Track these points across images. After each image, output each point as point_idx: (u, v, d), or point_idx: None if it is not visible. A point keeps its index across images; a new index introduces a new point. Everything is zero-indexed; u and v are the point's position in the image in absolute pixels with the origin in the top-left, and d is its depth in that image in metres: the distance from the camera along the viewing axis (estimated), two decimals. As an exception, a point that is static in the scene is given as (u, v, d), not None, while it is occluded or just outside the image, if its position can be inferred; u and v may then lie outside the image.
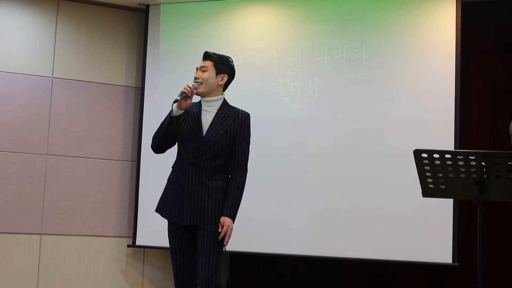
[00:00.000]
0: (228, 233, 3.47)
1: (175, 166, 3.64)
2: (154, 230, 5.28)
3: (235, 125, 3.56)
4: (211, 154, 3.51)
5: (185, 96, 3.45)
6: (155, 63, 5.49)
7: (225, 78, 3.63)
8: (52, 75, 5.45)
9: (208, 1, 5.41)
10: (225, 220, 3.48)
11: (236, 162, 3.57)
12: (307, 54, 5.15)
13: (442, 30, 4.88)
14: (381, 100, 4.95)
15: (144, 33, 5.58)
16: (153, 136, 3.63)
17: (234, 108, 3.64)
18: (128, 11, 5.70)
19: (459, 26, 4.83)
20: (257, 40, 5.28)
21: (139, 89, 5.61)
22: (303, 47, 5.16)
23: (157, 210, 3.67)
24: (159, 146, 3.62)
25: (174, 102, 3.45)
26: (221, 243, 3.49)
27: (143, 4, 5.56)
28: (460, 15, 4.84)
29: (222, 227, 3.46)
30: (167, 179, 3.66)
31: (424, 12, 4.94)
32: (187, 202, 3.49)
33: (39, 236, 5.31)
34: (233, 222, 3.52)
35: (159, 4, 5.53)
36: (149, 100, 5.46)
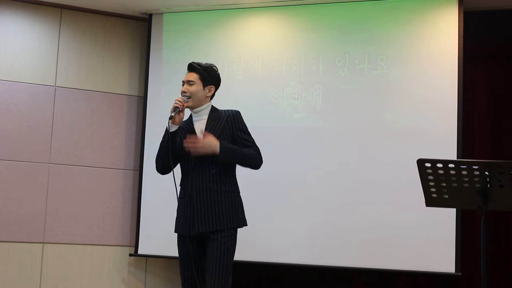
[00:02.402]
0: (201, 142, 3.40)
1: (182, 182, 3.62)
2: (156, 239, 5.29)
3: (228, 124, 3.58)
4: (213, 158, 3.48)
5: (178, 110, 3.50)
6: (157, 72, 5.50)
7: (212, 90, 3.66)
8: (55, 84, 5.46)
9: (211, 11, 5.42)
10: (212, 137, 3.43)
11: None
12: (310, 64, 5.15)
13: (445, 39, 4.88)
14: (383, 109, 4.95)
15: (147, 42, 5.60)
16: (156, 159, 3.65)
17: (223, 110, 3.66)
18: (131, 20, 5.72)
19: (461, 35, 4.84)
20: (259, 49, 5.29)
21: (141, 98, 5.62)
22: (306, 56, 5.17)
23: (175, 231, 3.62)
24: (164, 167, 3.63)
25: (170, 118, 3.50)
26: (232, 253, 3.48)
27: (146, 13, 5.58)
28: (462, 24, 4.85)
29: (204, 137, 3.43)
30: (178, 197, 3.62)
31: (427, 21, 4.95)
32: (197, 211, 3.46)
33: (41, 245, 5.30)
34: (220, 152, 3.40)
35: (162, 14, 5.55)
36: (152, 109, 5.46)
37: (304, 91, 5.14)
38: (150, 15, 5.58)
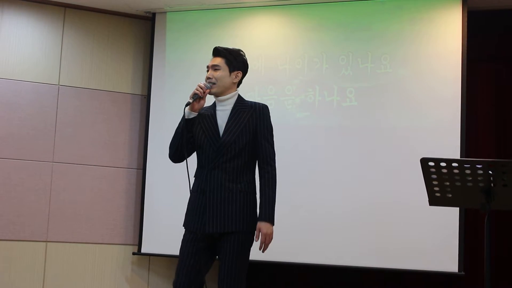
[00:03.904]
0: (266, 241, 3.23)
1: (197, 174, 3.36)
2: (160, 238, 5.29)
3: (252, 119, 3.34)
4: (232, 154, 3.27)
5: (197, 97, 3.26)
6: (161, 71, 5.50)
7: (240, 75, 3.42)
8: (59, 82, 5.47)
9: (214, 10, 5.42)
10: (261, 227, 3.22)
11: (262, 159, 3.32)
12: (313, 63, 5.15)
13: (448, 38, 4.87)
14: (387, 108, 4.94)
15: (150, 41, 5.60)
16: (169, 145, 3.39)
17: (250, 102, 3.43)
18: (135, 19, 5.72)
19: (465, 34, 4.83)
20: (262, 49, 5.29)
21: (145, 97, 5.63)
22: (309, 55, 5.17)
23: (184, 225, 3.35)
24: (175, 154, 3.36)
25: (186, 105, 3.25)
26: (246, 257, 3.26)
27: (149, 12, 5.59)
28: (466, 23, 4.84)
29: (260, 236, 3.21)
30: (191, 190, 3.36)
31: (430, 20, 4.94)
32: (209, 209, 3.22)
33: (44, 243, 5.31)
34: (273, 225, 3.26)
35: (165, 12, 5.55)
36: (155, 108, 5.47)
37: (307, 90, 5.13)
38: (154, 14, 5.58)
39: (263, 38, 5.33)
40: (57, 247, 5.34)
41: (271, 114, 4.93)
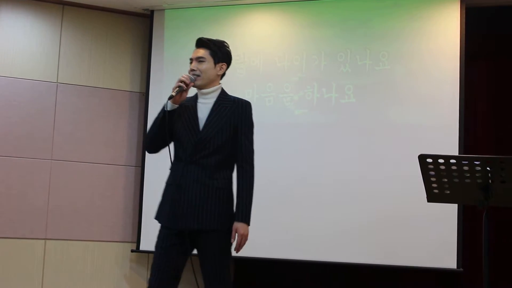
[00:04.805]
0: (242, 242, 3.14)
1: (173, 167, 3.27)
2: (158, 235, 5.29)
3: (234, 116, 3.23)
4: (210, 150, 3.18)
5: (180, 90, 3.16)
6: (159, 68, 5.50)
7: (224, 67, 3.31)
8: (57, 80, 5.47)
9: (212, 7, 5.42)
10: (238, 227, 3.13)
11: (241, 157, 3.22)
12: (311, 60, 5.15)
13: (447, 36, 4.88)
14: (385, 105, 4.95)
15: (148, 38, 5.59)
16: (146, 134, 3.29)
17: (233, 97, 3.32)
18: (133, 17, 5.72)
19: (463, 31, 4.83)
20: (261, 46, 5.29)
21: (143, 94, 5.62)
22: (307, 52, 5.17)
23: (155, 218, 3.27)
24: (151, 145, 3.29)
25: (169, 98, 3.16)
26: (228, 252, 3.19)
27: (147, 9, 5.58)
28: (464, 20, 4.85)
29: (236, 236, 3.13)
30: (166, 182, 3.29)
31: (429, 17, 4.94)
32: (186, 204, 3.13)
33: (43, 241, 5.31)
34: (248, 225, 3.17)
35: (163, 10, 5.55)
36: (153, 105, 5.46)
37: (305, 87, 5.14)
38: (152, 11, 5.58)
39: (262, 36, 5.33)
40: (56, 244, 5.34)
41: (269, 111, 4.89)
